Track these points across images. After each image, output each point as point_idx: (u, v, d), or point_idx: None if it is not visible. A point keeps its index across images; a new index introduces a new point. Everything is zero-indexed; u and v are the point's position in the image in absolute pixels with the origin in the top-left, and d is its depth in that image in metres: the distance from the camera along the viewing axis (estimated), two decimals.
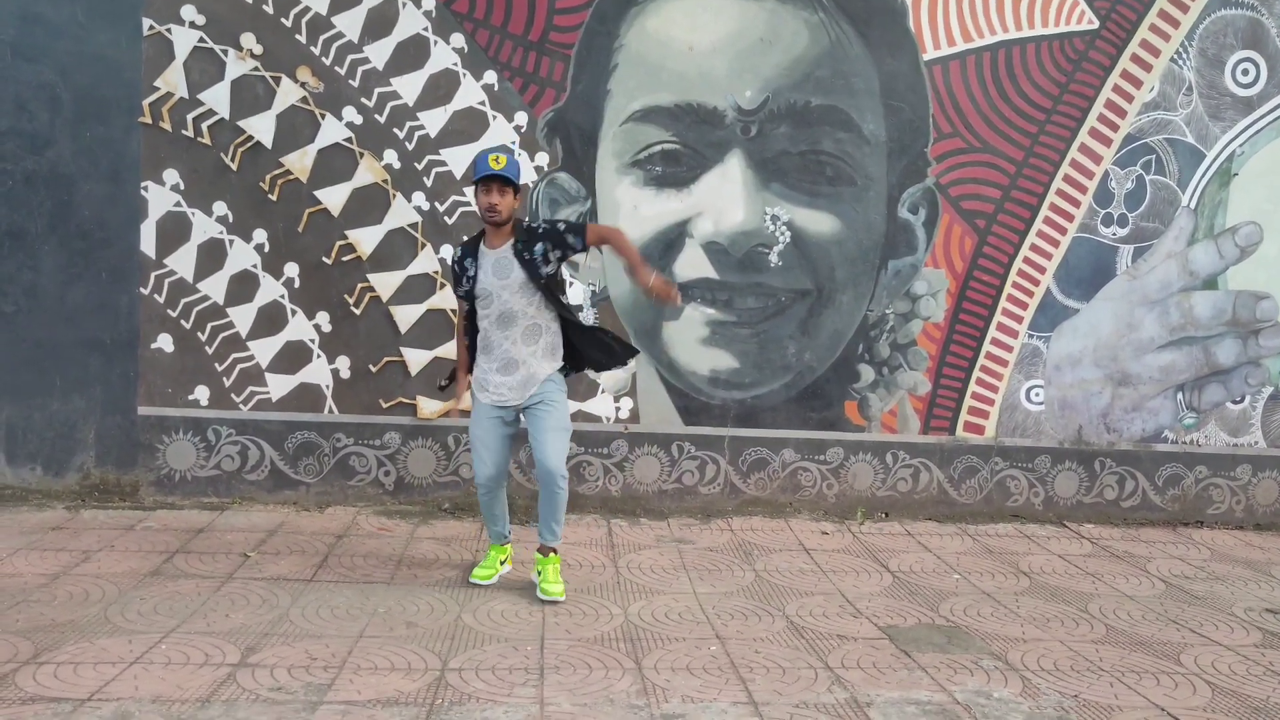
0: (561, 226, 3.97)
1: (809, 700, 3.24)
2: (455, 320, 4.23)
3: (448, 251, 5.15)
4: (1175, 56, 5.47)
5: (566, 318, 4.04)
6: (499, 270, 3.92)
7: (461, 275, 4.01)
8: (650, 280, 3.91)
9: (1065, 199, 5.49)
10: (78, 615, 3.65)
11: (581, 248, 3.99)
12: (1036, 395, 5.59)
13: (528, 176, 5.12)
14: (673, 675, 3.38)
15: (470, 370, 4.13)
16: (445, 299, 5.15)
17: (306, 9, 5.01)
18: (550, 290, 3.97)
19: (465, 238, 4.12)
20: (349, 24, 5.03)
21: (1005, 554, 5.01)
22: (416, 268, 5.16)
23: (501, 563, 4.28)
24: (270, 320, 5.11)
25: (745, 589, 4.32)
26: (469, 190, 5.12)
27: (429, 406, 5.20)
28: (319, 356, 5.15)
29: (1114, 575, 4.76)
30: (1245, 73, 5.54)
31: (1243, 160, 5.58)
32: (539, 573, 4.10)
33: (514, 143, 5.16)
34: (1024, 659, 3.67)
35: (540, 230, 3.96)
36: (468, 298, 4.03)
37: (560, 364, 4.05)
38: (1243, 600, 4.49)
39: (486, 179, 3.84)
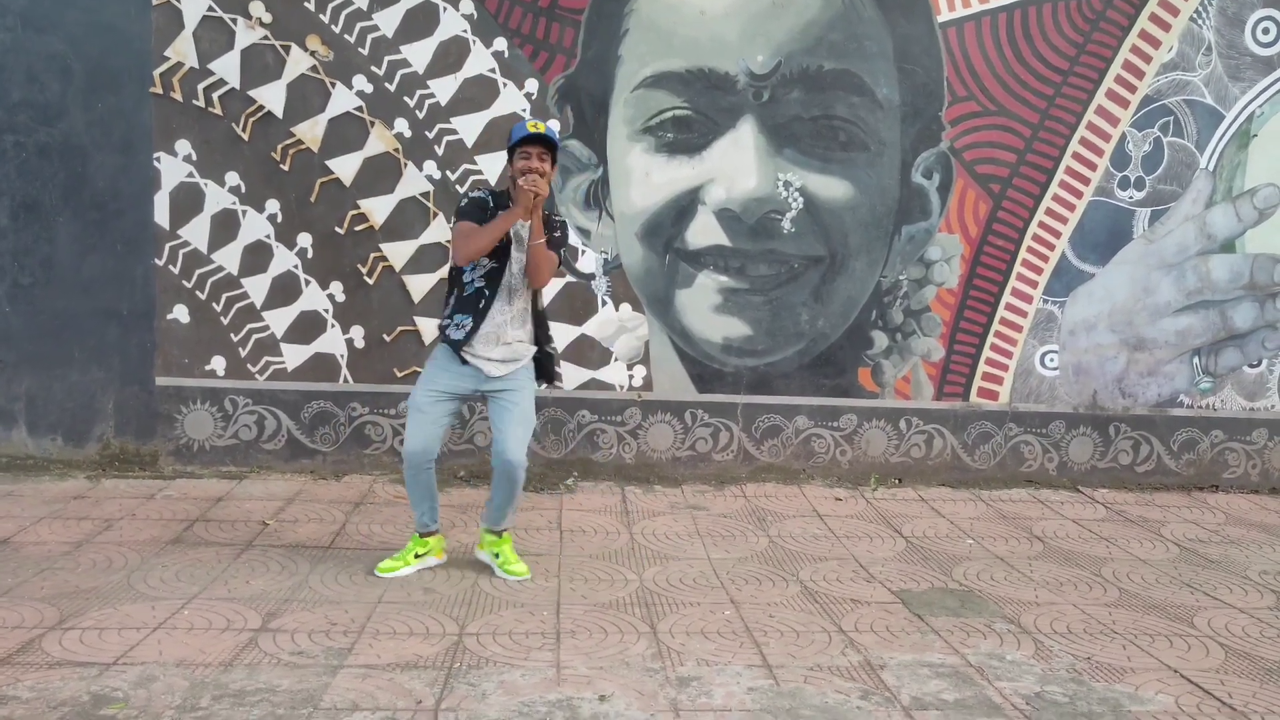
0: (559, 234, 3.77)
1: (823, 663, 3.27)
2: (460, 240, 3.62)
3: None
4: (1194, 15, 5.39)
5: (542, 311, 3.90)
6: (518, 240, 3.72)
7: (489, 215, 3.66)
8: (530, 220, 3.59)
9: (1081, 162, 5.43)
10: (101, 582, 3.71)
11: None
12: (1051, 360, 5.57)
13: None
14: (688, 639, 3.42)
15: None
16: None
17: None
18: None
19: (487, 187, 3.77)
20: None
21: (1019, 519, 5.02)
22: (429, 237, 5.16)
23: (418, 555, 3.91)
24: (284, 290, 5.13)
25: (759, 554, 4.35)
26: (481, 159, 5.11)
27: None
28: (333, 326, 5.17)
29: (1128, 539, 4.77)
30: (1265, 31, 5.44)
31: (1262, 121, 5.50)
32: (495, 555, 3.91)
33: (525, 110, 5.13)
34: (1037, 622, 3.69)
35: (556, 221, 3.79)
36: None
37: (533, 352, 3.85)
38: (1257, 564, 4.49)
39: (526, 142, 3.59)
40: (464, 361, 3.73)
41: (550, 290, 5.07)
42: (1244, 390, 5.69)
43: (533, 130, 3.59)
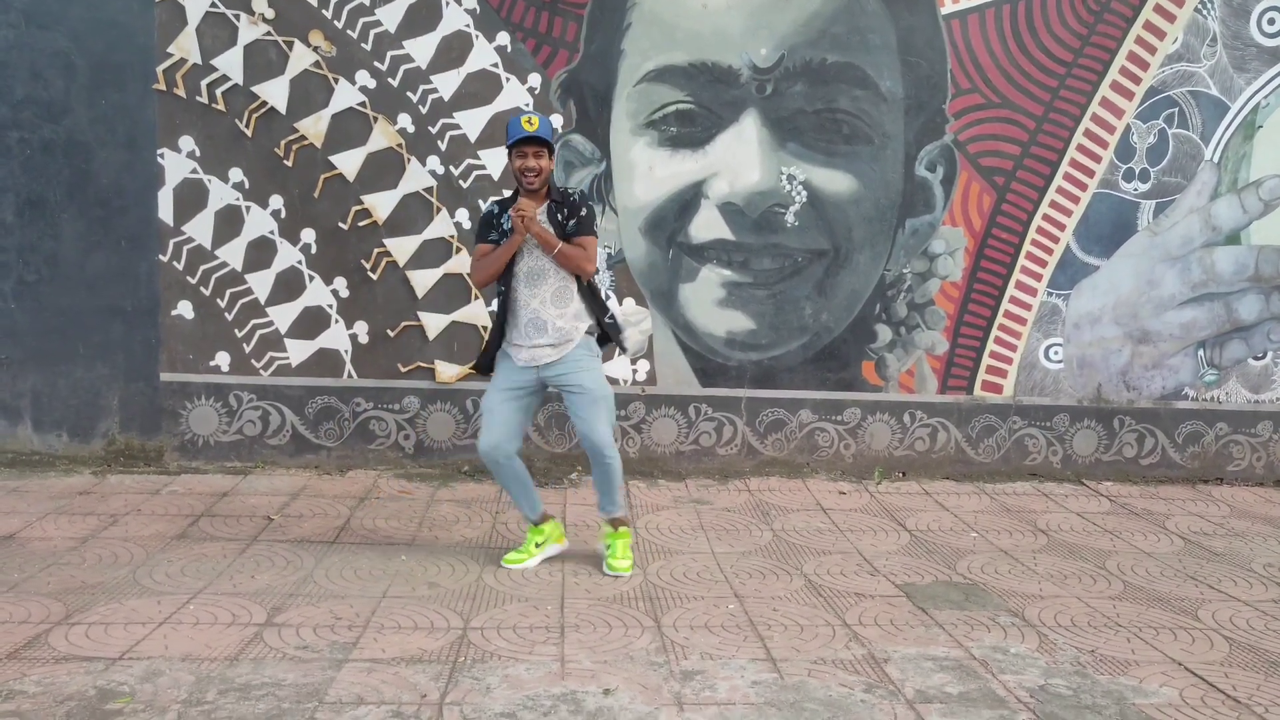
0: (584, 213, 3.79)
1: (827, 657, 3.28)
2: (474, 265, 3.89)
3: (463, 215, 5.15)
4: (1199, 6, 5.36)
5: (592, 285, 3.89)
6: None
7: (495, 225, 3.82)
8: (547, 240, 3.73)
9: (1086, 154, 5.42)
10: (107, 577, 3.72)
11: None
12: (1055, 353, 5.56)
13: None
14: (691, 633, 3.42)
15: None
16: (462, 263, 5.15)
17: None
18: None
19: (495, 198, 3.92)
20: None
21: (1023, 512, 5.02)
22: (432, 232, 5.17)
23: (539, 545, 4.01)
24: (288, 286, 5.14)
25: (763, 548, 4.35)
26: (484, 154, 5.12)
27: (447, 371, 5.23)
28: (337, 322, 5.18)
29: (1132, 532, 4.76)
30: (1271, 22, 5.42)
31: (1268, 112, 5.48)
32: (607, 546, 4.00)
33: (528, 104, 5.13)
34: (1041, 615, 3.69)
35: (574, 200, 3.82)
36: (497, 244, 3.83)
37: (589, 325, 3.86)
38: (1262, 556, 4.48)
39: (521, 143, 3.69)
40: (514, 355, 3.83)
41: None
42: (1249, 383, 5.68)
43: (527, 128, 3.68)
